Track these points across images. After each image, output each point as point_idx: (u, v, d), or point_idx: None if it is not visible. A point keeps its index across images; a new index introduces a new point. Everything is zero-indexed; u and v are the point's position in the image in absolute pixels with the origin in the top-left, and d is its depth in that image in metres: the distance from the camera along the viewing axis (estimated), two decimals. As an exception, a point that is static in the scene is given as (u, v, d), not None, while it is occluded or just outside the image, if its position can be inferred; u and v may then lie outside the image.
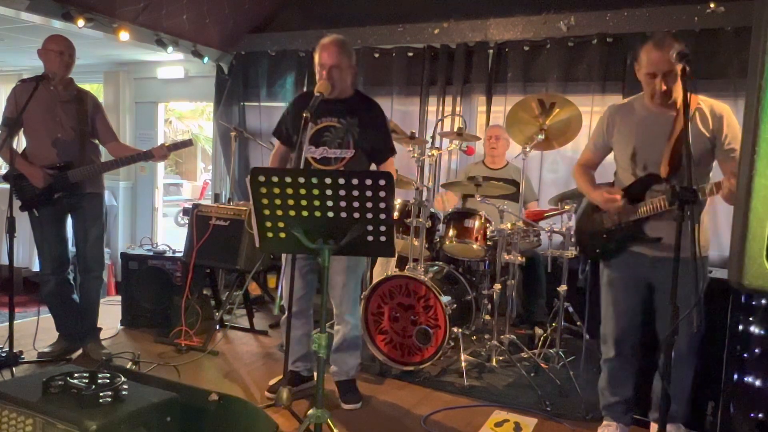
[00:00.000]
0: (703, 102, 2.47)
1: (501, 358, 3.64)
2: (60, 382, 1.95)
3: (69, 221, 3.55)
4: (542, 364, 3.58)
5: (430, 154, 3.89)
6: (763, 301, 2.52)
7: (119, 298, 4.41)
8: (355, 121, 2.94)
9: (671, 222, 2.30)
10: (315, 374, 3.02)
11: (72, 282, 3.62)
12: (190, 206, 4.34)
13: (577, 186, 2.87)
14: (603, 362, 2.79)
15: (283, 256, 3.14)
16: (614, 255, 2.64)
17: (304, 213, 2.06)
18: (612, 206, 2.56)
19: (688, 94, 2.00)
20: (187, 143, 3.74)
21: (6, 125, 3.33)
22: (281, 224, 2.11)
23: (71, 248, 3.61)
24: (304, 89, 5.47)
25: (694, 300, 1.82)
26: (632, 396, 2.73)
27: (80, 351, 3.65)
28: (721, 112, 2.44)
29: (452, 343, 3.50)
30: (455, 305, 3.53)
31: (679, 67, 2.27)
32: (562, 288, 3.59)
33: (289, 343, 2.65)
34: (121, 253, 4.41)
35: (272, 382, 3.20)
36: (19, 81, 3.35)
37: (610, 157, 2.75)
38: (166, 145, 3.49)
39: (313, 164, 2.94)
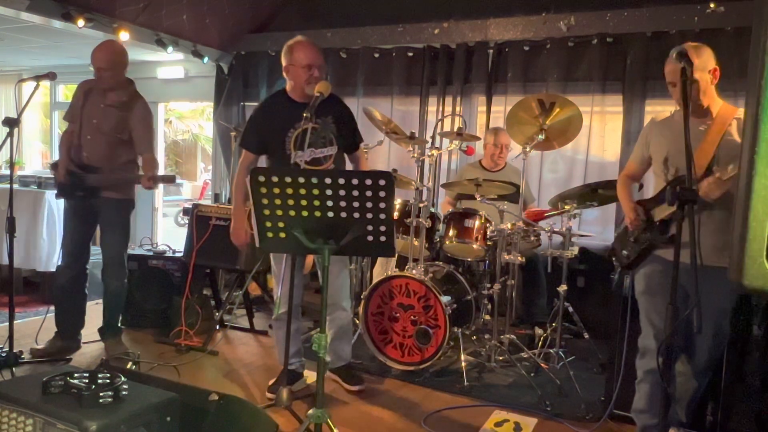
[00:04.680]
0: (743, 113, 2.45)
1: (501, 358, 3.64)
2: (60, 382, 1.95)
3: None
4: (542, 364, 3.58)
5: (429, 154, 3.88)
6: (763, 301, 2.52)
7: (119, 298, 4.41)
8: (330, 119, 3.04)
9: (705, 227, 2.30)
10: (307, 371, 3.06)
11: (83, 283, 3.67)
12: (190, 206, 4.34)
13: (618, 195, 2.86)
14: (642, 379, 2.58)
15: (272, 257, 3.16)
16: (646, 261, 2.57)
17: (304, 213, 2.06)
18: (631, 219, 2.61)
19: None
20: (171, 179, 3.79)
21: (68, 120, 3.58)
22: (281, 224, 2.11)
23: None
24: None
25: (694, 301, 1.81)
26: (672, 413, 2.54)
27: (80, 350, 3.66)
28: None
29: (452, 343, 3.51)
30: (455, 305, 3.53)
31: (699, 76, 2.29)
32: (562, 288, 3.59)
33: (289, 340, 2.69)
34: (122, 253, 4.41)
35: (272, 382, 3.21)
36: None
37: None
38: (150, 176, 3.46)
39: (307, 167, 2.96)
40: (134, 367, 3.19)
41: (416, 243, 3.64)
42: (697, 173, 2.38)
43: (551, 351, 3.65)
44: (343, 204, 2.02)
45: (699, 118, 2.45)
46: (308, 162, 2.98)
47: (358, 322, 3.68)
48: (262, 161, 3.24)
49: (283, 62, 3.00)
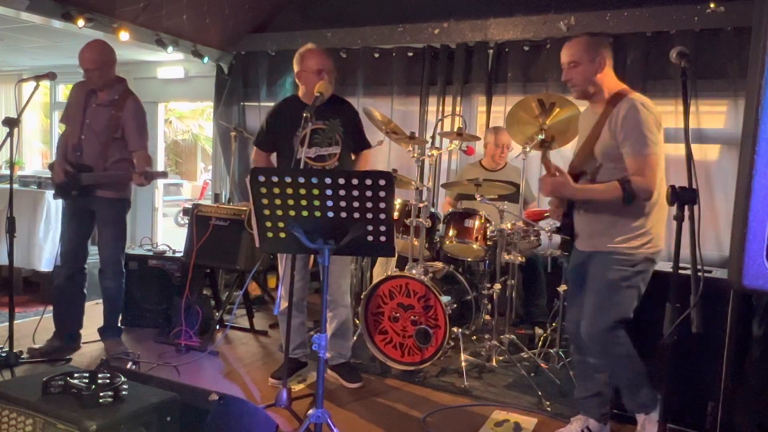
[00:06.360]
0: (619, 98, 2.43)
1: (501, 358, 3.64)
2: (60, 382, 1.95)
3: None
4: (542, 364, 3.58)
5: (430, 154, 3.89)
6: (763, 301, 2.53)
7: (119, 298, 4.41)
8: (337, 122, 3.19)
9: (584, 215, 2.53)
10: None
11: (81, 283, 3.67)
12: (190, 206, 4.33)
13: None
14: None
15: (279, 256, 3.22)
16: (572, 250, 2.75)
17: (304, 213, 2.06)
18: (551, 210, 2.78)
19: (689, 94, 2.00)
20: (163, 174, 3.77)
21: (63, 122, 3.63)
22: (281, 224, 2.11)
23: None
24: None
25: (694, 301, 1.81)
26: (605, 391, 2.65)
27: (80, 350, 3.66)
28: (621, 107, 2.35)
29: (452, 343, 3.50)
30: (455, 305, 3.53)
31: (581, 63, 2.44)
32: (562, 288, 3.59)
33: (289, 332, 2.77)
34: (122, 253, 4.41)
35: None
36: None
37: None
38: (141, 171, 3.40)
39: (310, 163, 3.14)
40: (134, 367, 3.19)
41: (416, 243, 3.64)
42: (575, 164, 2.55)
43: (551, 351, 3.66)
44: (343, 204, 2.02)
45: (596, 104, 2.52)
46: (312, 158, 3.15)
47: (358, 322, 3.68)
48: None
49: (295, 68, 3.17)
